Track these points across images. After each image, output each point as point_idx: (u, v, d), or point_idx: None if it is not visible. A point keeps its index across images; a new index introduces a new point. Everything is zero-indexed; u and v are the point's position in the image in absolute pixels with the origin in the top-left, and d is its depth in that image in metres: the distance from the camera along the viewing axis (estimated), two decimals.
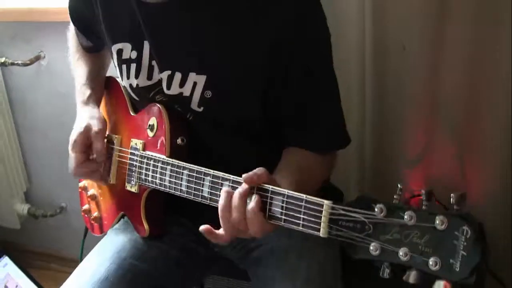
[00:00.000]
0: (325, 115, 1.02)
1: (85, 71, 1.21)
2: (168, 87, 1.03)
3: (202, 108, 1.01)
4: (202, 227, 0.85)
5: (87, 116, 1.11)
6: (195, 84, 0.99)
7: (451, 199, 0.62)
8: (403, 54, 1.31)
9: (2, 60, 1.81)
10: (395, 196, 0.64)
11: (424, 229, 0.61)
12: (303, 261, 1.01)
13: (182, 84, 1.01)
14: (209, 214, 0.90)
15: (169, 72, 1.02)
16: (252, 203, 0.80)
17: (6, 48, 1.84)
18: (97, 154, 1.08)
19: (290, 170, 0.94)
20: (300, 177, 0.91)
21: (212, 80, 0.98)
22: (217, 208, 0.86)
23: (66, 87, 1.74)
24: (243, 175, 0.82)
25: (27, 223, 2.04)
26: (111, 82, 1.25)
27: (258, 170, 0.82)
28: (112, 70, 1.26)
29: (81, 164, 1.08)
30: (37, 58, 1.80)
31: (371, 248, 0.64)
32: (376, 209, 0.63)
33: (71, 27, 1.28)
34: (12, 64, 1.80)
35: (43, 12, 1.72)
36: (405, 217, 0.61)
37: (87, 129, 1.07)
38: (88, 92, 1.17)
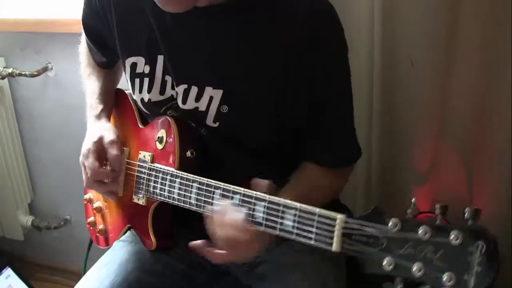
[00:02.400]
0: (338, 129, 1.02)
1: (97, 87, 1.21)
2: (184, 102, 1.02)
3: (217, 123, 1.01)
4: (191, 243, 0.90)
5: (100, 128, 1.12)
6: (211, 98, 0.99)
7: (466, 214, 0.61)
8: (412, 69, 1.32)
9: (10, 70, 1.81)
10: (408, 211, 0.63)
11: (438, 244, 0.60)
12: (307, 280, 0.99)
13: (198, 98, 1.01)
14: None
15: (185, 86, 1.01)
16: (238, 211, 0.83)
17: (14, 59, 1.85)
18: (112, 162, 1.07)
19: (298, 183, 0.94)
20: (307, 190, 0.92)
21: (228, 95, 0.98)
22: None
23: (73, 99, 1.75)
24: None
25: (30, 235, 2.03)
26: (118, 94, 1.25)
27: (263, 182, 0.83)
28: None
29: (95, 172, 1.07)
30: (45, 69, 1.81)
31: (385, 262, 0.64)
32: (390, 224, 0.63)
33: (83, 41, 1.28)
34: (20, 74, 1.81)
35: (51, 23, 1.73)
36: (420, 232, 0.61)
37: (100, 138, 1.08)
38: (100, 107, 1.17)
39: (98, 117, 1.15)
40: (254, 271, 1.10)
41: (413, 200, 0.63)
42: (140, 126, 1.15)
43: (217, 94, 0.99)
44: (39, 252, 2.12)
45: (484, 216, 1.33)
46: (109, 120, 1.18)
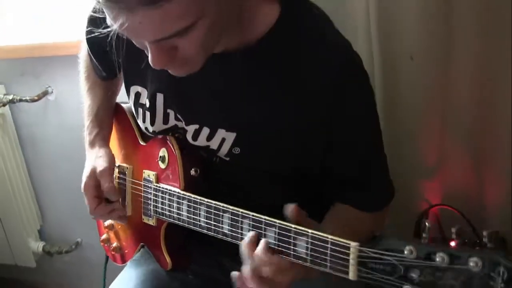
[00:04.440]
0: (375, 175, 1.00)
1: (95, 104, 1.18)
2: (195, 139, 1.00)
3: (229, 159, 0.99)
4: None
5: (93, 157, 1.10)
6: (223, 140, 0.97)
7: (484, 238, 0.60)
8: (412, 64, 1.31)
9: (10, 97, 1.82)
10: (424, 235, 0.62)
11: (457, 271, 0.58)
12: None
13: (209, 138, 0.98)
14: (233, 244, 0.89)
15: (196, 126, 0.99)
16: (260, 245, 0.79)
17: (14, 85, 1.86)
18: (107, 194, 1.07)
19: (336, 222, 0.92)
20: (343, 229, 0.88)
21: (241, 138, 0.96)
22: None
23: (74, 121, 1.71)
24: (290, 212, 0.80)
25: (42, 261, 2.03)
26: (117, 109, 1.23)
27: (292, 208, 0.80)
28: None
29: (94, 211, 1.07)
30: (45, 93, 1.82)
31: None
32: (406, 251, 0.61)
33: (84, 50, 1.23)
34: (21, 100, 1.81)
35: (49, 47, 1.74)
36: (437, 259, 0.59)
37: (93, 171, 1.07)
38: (95, 131, 1.15)
39: (92, 143, 1.14)
40: None
41: (427, 223, 0.62)
42: (141, 143, 1.13)
43: (230, 136, 0.96)
44: (52, 277, 2.11)
45: (497, 205, 1.35)
46: (106, 141, 1.16)
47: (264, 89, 0.93)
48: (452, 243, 0.67)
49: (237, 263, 1.12)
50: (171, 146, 1.02)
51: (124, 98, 1.18)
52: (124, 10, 0.69)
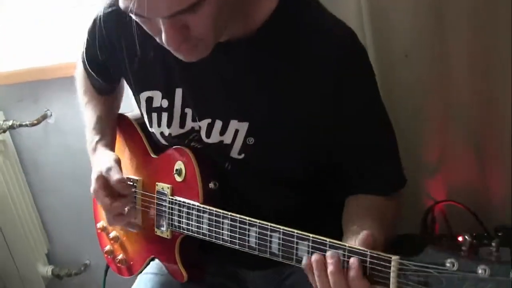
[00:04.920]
0: (388, 156, 1.01)
1: (93, 116, 1.18)
2: (208, 136, 1.01)
3: (242, 155, 1.00)
4: None
5: (97, 160, 1.09)
6: (236, 131, 0.98)
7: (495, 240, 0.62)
8: (407, 62, 1.32)
9: (10, 123, 1.83)
10: (463, 248, 0.65)
11: (499, 282, 0.61)
12: None
13: (223, 132, 0.99)
14: (246, 255, 0.91)
15: (209, 120, 1.00)
16: (354, 270, 0.76)
17: (13, 111, 1.86)
18: (117, 187, 1.03)
19: (375, 223, 0.89)
20: (383, 227, 0.89)
21: (255, 127, 0.97)
22: None
23: (75, 142, 1.76)
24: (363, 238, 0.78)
25: (52, 285, 2.03)
26: (123, 121, 1.22)
27: (367, 236, 0.78)
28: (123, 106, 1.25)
29: (109, 208, 1.05)
30: (44, 117, 1.83)
31: None
32: (447, 264, 0.64)
33: (80, 66, 1.23)
34: (20, 125, 1.82)
35: (45, 70, 1.75)
36: (479, 271, 0.62)
37: (100, 171, 1.04)
38: (96, 138, 1.14)
39: (94, 149, 1.13)
40: (284, 284, 1.11)
41: (467, 237, 0.64)
42: (153, 156, 1.12)
43: (243, 127, 0.97)
44: None
45: (502, 197, 1.37)
46: (111, 147, 1.15)
47: (269, 76, 0.95)
48: (460, 238, 0.70)
49: (251, 273, 1.14)
50: (189, 159, 1.02)
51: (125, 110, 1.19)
52: None
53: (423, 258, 0.67)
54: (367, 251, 0.74)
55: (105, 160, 1.06)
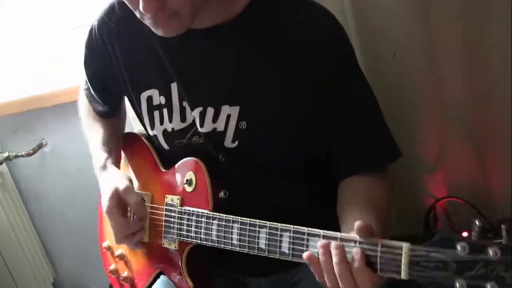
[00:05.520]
0: (375, 129, 1.01)
1: (99, 137, 1.20)
2: (202, 125, 1.02)
3: (236, 143, 1.01)
4: None
5: (109, 179, 1.09)
6: (228, 116, 1.00)
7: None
8: (396, 61, 1.34)
9: (6, 154, 1.85)
10: (473, 233, 0.66)
11: (509, 262, 0.62)
12: None
13: (215, 119, 1.01)
14: (251, 262, 0.92)
15: (200, 108, 1.02)
16: (357, 261, 0.76)
17: (8, 142, 1.88)
18: (135, 209, 1.05)
19: (368, 209, 0.90)
20: (378, 212, 0.89)
21: (246, 110, 0.99)
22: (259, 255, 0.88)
23: (73, 167, 1.77)
24: (359, 228, 0.77)
25: None
26: (132, 138, 1.23)
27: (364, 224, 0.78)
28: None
29: (125, 228, 1.06)
30: (40, 146, 1.85)
31: (457, 285, 0.66)
32: (458, 248, 0.65)
33: (82, 94, 1.27)
34: (16, 156, 1.84)
35: (38, 99, 1.76)
36: (490, 253, 0.63)
37: (115, 190, 1.05)
38: (104, 156, 1.15)
39: (104, 167, 1.13)
40: None
41: (477, 221, 0.66)
42: (163, 170, 1.13)
43: (234, 111, 0.99)
44: None
45: (503, 191, 1.37)
46: (118, 165, 1.16)
47: (255, 58, 0.97)
48: (465, 234, 0.71)
49: (257, 280, 1.15)
50: (200, 169, 1.03)
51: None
52: None
53: (434, 243, 0.68)
54: (378, 241, 0.75)
55: (119, 179, 1.07)
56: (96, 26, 1.10)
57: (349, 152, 0.99)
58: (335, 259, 0.78)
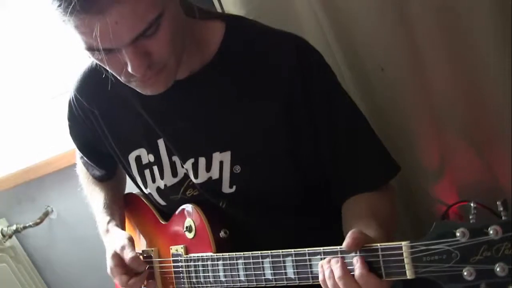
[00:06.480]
0: (368, 148, 1.00)
1: (100, 201, 1.20)
2: (196, 176, 1.02)
3: (234, 188, 1.00)
4: None
5: (111, 241, 1.10)
6: (221, 163, 0.99)
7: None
8: (384, 74, 1.31)
9: (14, 227, 1.85)
10: (470, 216, 0.63)
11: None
12: None
13: (208, 168, 1.00)
14: None
15: (192, 160, 1.01)
16: (358, 269, 0.75)
17: (14, 215, 1.87)
18: (132, 265, 1.04)
19: (369, 220, 0.89)
20: (379, 221, 0.88)
21: (237, 153, 0.98)
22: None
23: (82, 230, 1.72)
24: (347, 245, 0.75)
25: None
26: (131, 199, 1.24)
27: (356, 234, 0.76)
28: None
29: (127, 285, 1.05)
30: (46, 214, 1.84)
31: (465, 274, 0.63)
32: (458, 234, 0.62)
33: (78, 162, 1.28)
34: (24, 228, 1.83)
35: (37, 168, 1.76)
36: (491, 232, 0.60)
37: (114, 250, 1.06)
38: (106, 219, 1.16)
39: (107, 230, 1.14)
40: None
41: (472, 204, 0.63)
42: (163, 223, 1.13)
43: (226, 156, 0.99)
44: None
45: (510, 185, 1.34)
46: (121, 226, 1.16)
47: (236, 98, 0.97)
48: None
49: None
50: (196, 213, 1.02)
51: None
52: (96, 15, 0.73)
53: (432, 235, 0.66)
54: (377, 245, 0.74)
55: (118, 239, 1.07)
56: (73, 98, 1.11)
57: (347, 177, 0.99)
58: (337, 274, 0.76)
